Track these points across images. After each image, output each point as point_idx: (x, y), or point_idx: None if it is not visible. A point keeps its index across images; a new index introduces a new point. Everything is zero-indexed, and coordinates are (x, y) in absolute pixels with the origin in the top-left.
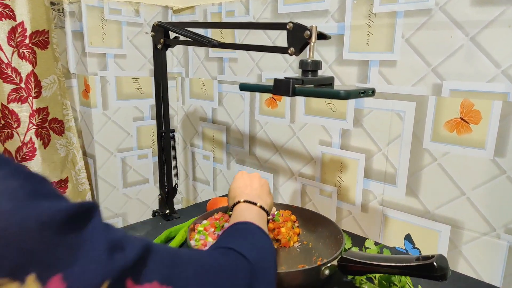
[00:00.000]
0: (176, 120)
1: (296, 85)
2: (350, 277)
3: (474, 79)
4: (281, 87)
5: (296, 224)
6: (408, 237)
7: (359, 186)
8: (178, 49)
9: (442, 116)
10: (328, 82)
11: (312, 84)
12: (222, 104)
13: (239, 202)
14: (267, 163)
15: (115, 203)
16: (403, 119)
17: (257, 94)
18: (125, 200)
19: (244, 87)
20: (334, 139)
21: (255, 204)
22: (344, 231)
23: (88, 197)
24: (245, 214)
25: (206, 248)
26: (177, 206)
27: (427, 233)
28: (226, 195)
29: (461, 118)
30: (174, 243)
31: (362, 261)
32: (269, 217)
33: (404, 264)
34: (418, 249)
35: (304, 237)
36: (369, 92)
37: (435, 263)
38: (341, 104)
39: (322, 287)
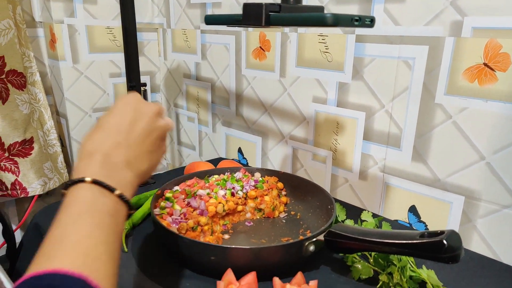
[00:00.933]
0: (158, 78)
1: (270, 12)
2: (341, 255)
3: (504, 12)
4: (252, 14)
5: (283, 193)
6: (412, 209)
7: (358, 149)
8: None
9: (461, 62)
10: (315, 11)
11: (292, 12)
12: (206, 58)
13: (82, 181)
14: (255, 125)
15: None
16: (412, 68)
17: (243, 44)
18: None
19: (209, 19)
20: (330, 95)
21: (111, 190)
22: (339, 201)
23: (60, 160)
24: (71, 233)
25: (172, 217)
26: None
27: (436, 205)
28: (209, 161)
29: (485, 64)
30: (141, 212)
31: (353, 236)
32: (131, 211)
33: (404, 242)
34: (424, 223)
35: (292, 207)
36: (366, 20)
37: (445, 241)
38: (338, 52)
39: (306, 265)
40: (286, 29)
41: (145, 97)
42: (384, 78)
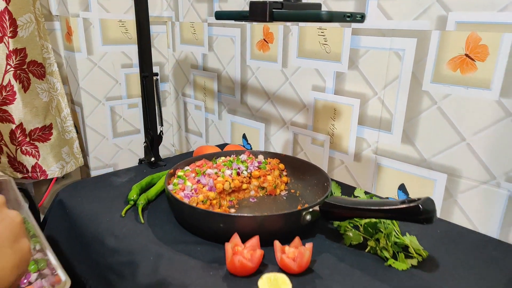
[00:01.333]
0: (167, 68)
1: (273, 9)
2: (335, 224)
3: (484, 8)
4: (258, 11)
5: (284, 173)
6: (402, 187)
7: (353, 133)
8: None
9: (446, 53)
10: (313, 8)
11: (293, 9)
12: (213, 49)
13: None
14: (258, 112)
15: (105, 153)
16: (402, 59)
17: (248, 36)
18: (116, 150)
19: (220, 15)
20: (328, 83)
21: None
22: (335, 181)
23: (76, 146)
24: None
25: (184, 192)
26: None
27: (422, 183)
28: (216, 146)
29: (466, 55)
30: (155, 189)
31: (344, 205)
32: None
33: (388, 208)
34: None
35: (292, 186)
36: (357, 17)
37: (420, 206)
38: (335, 44)
39: (304, 233)
40: (288, 23)
41: (156, 86)
42: (377, 68)
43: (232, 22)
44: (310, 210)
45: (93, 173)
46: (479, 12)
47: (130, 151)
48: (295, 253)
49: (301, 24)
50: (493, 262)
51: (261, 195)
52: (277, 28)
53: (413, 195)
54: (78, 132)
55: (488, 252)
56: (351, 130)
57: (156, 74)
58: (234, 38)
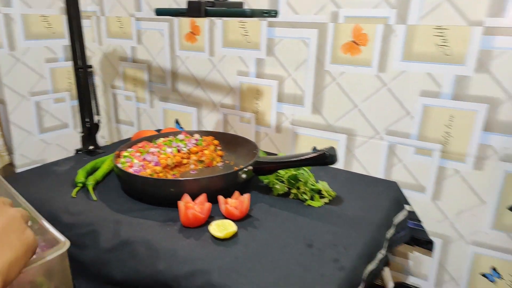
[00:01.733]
0: (93, 61)
1: (207, 7)
2: (265, 181)
3: (363, 5)
4: (194, 9)
5: (219, 148)
6: (314, 149)
7: (274, 110)
8: None
9: (339, 40)
10: (237, 6)
11: (222, 7)
12: (142, 42)
13: None
14: (190, 98)
15: (32, 150)
16: (308, 45)
17: (176, 30)
18: (43, 146)
19: (160, 12)
20: (251, 68)
21: None
22: (262, 150)
23: (0, 144)
24: None
25: (133, 169)
26: None
27: (330, 143)
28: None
29: (353, 41)
30: (102, 171)
31: (271, 161)
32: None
33: (304, 157)
34: None
35: (226, 158)
36: (272, 13)
37: (326, 152)
38: (255, 34)
39: (241, 189)
40: (213, 18)
41: (90, 78)
42: (290, 54)
43: (160, 16)
44: (245, 169)
45: (20, 171)
46: (360, 9)
47: (59, 146)
48: (236, 202)
49: (224, 18)
50: (380, 194)
51: (200, 167)
52: (203, 21)
53: None
54: (0, 129)
55: (377, 188)
56: (272, 107)
57: (90, 67)
58: (163, 31)
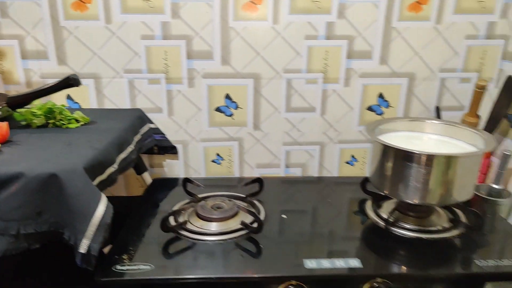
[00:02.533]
0: None
1: None
2: (23, 122)
3: None
4: None
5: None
6: (227, 96)
7: (184, 66)
8: None
9: (239, 2)
10: None
11: None
12: (8, 16)
13: None
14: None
15: None
16: (212, 7)
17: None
18: None
19: None
20: (156, 32)
21: None
22: None
23: None
24: None
25: None
26: None
27: (239, 89)
28: None
29: (251, 1)
30: None
31: (22, 94)
32: None
33: (51, 84)
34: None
35: None
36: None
37: (69, 76)
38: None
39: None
40: None
41: None
42: (197, 15)
43: None
44: (0, 107)
45: None
46: None
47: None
48: None
49: None
50: (128, 116)
51: None
52: None
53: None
54: None
55: (127, 112)
56: (182, 64)
57: None
58: (40, 1)
